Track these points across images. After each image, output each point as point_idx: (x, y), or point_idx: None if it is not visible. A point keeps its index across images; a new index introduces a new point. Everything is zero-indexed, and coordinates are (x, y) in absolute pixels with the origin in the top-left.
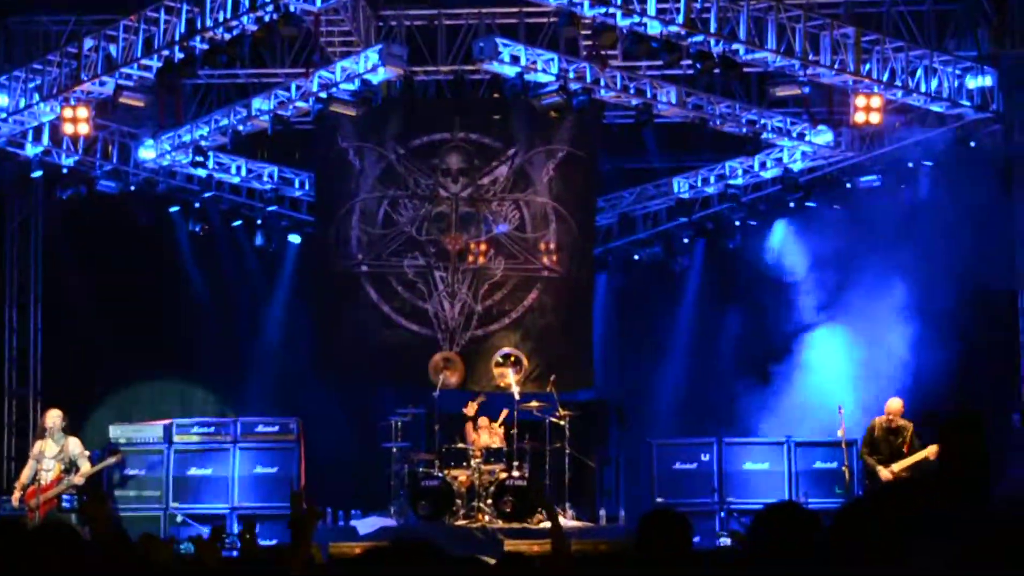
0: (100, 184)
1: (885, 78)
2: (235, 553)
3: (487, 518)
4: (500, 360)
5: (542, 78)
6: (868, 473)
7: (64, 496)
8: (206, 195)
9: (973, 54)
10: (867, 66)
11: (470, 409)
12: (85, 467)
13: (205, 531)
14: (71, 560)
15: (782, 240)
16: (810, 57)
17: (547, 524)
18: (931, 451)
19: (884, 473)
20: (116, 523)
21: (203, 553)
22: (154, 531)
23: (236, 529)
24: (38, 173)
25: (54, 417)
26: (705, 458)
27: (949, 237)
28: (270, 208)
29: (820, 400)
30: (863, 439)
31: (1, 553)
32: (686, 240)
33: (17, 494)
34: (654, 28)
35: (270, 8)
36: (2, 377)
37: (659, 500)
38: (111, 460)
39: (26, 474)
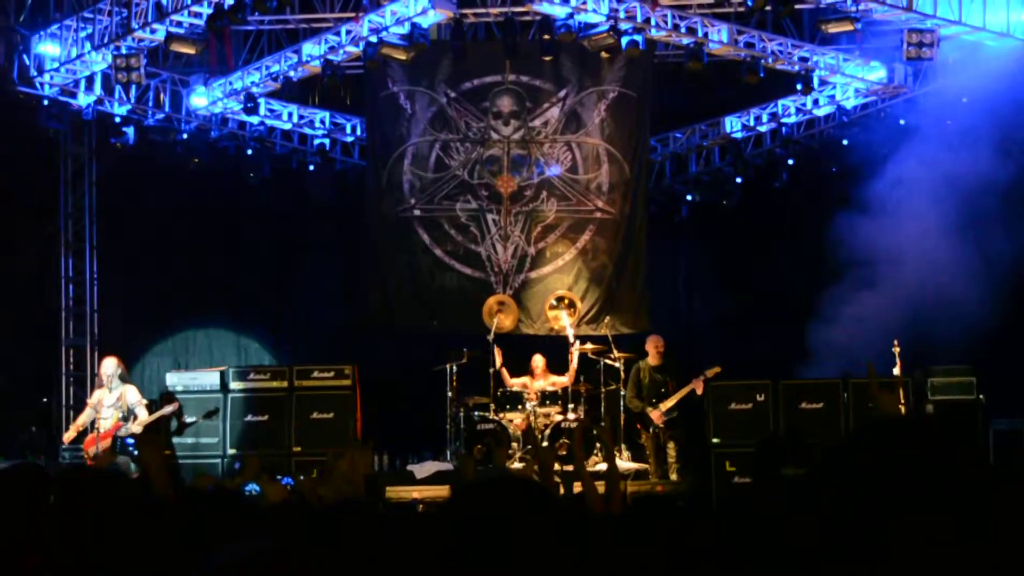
0: (153, 132)
1: (940, 12)
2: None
3: None
4: (554, 303)
5: (592, 18)
6: (637, 417)
7: (121, 439)
8: (257, 141)
9: None
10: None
11: (498, 358)
12: (143, 415)
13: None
14: (128, 508)
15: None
16: None
17: (603, 466)
18: (696, 384)
19: (654, 414)
20: (174, 471)
21: (270, 490)
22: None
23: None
24: (91, 122)
25: (111, 365)
26: (760, 398)
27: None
28: (321, 154)
29: (871, 339)
30: (629, 384)
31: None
32: (739, 180)
33: (72, 434)
34: None
35: None
36: (59, 326)
37: (715, 441)
38: (168, 408)
39: (82, 420)
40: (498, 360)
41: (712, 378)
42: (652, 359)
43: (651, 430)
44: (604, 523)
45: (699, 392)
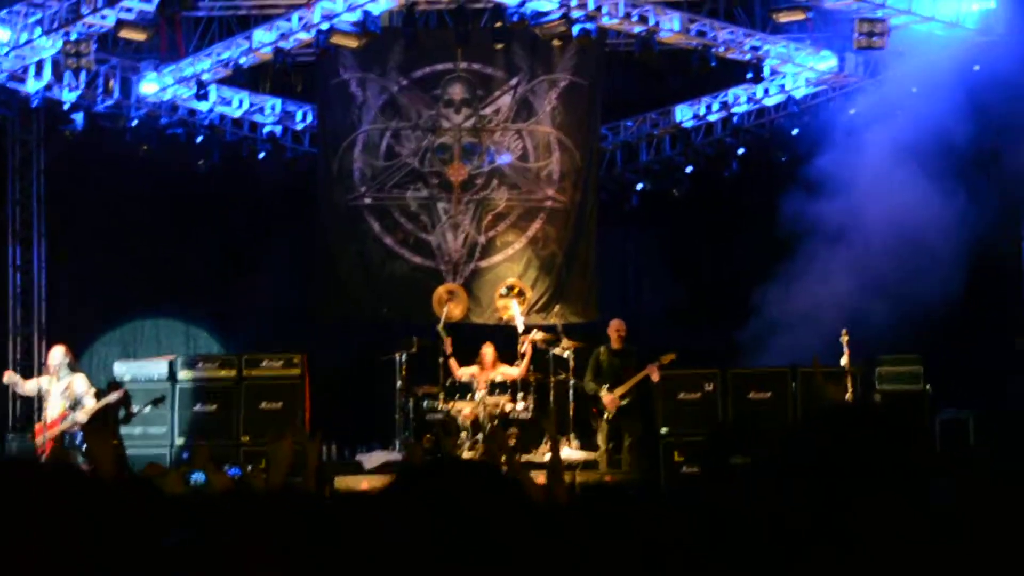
0: (102, 119)
1: (890, 1)
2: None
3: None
4: (504, 292)
5: (544, 6)
6: (592, 401)
7: (68, 433)
8: (207, 128)
9: None
10: None
11: (447, 347)
12: (90, 404)
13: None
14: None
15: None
16: None
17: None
18: (650, 371)
19: (607, 398)
20: (121, 460)
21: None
22: None
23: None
24: (39, 108)
25: (59, 354)
26: (709, 388)
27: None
28: (272, 141)
29: (820, 328)
30: (588, 367)
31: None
32: (689, 170)
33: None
34: None
35: None
36: (6, 315)
37: (664, 431)
38: (114, 396)
39: (27, 388)
40: (448, 349)
41: (667, 364)
42: (613, 343)
43: (604, 416)
44: (547, 512)
45: (655, 379)
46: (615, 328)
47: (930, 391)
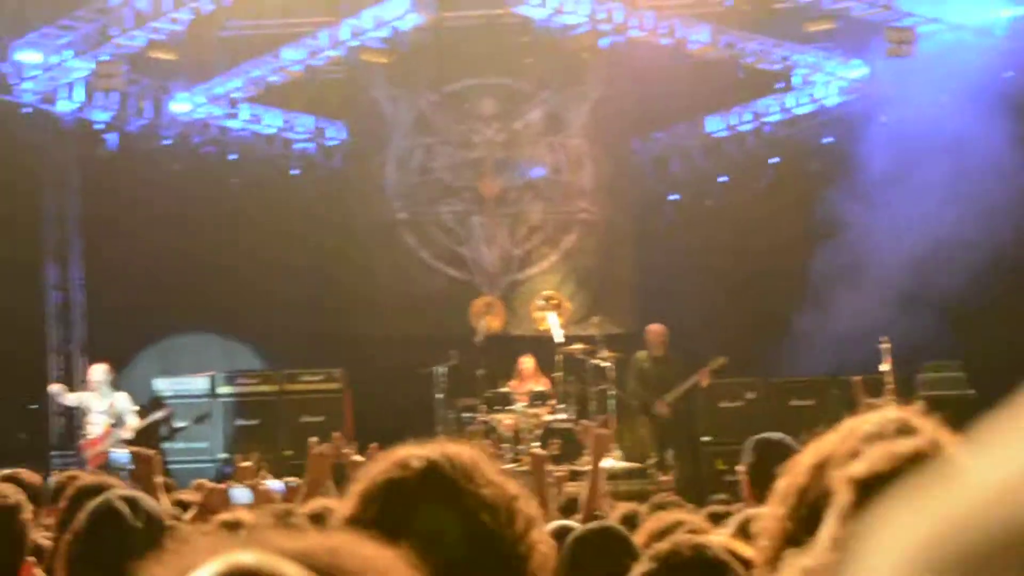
0: (134, 139)
1: (919, 9)
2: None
3: None
4: (541, 303)
5: (573, 20)
6: (641, 409)
7: (113, 454)
8: (239, 146)
9: None
10: None
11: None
12: (133, 421)
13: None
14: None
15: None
16: None
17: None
18: (701, 376)
19: (660, 406)
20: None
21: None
22: None
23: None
24: (72, 129)
25: (100, 371)
26: (751, 396)
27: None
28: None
29: (855, 335)
30: (632, 375)
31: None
32: (722, 179)
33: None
34: None
35: None
36: (45, 334)
37: (704, 439)
38: (159, 414)
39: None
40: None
41: (718, 370)
42: (655, 349)
43: (653, 422)
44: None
45: (704, 384)
46: (657, 333)
47: (974, 395)
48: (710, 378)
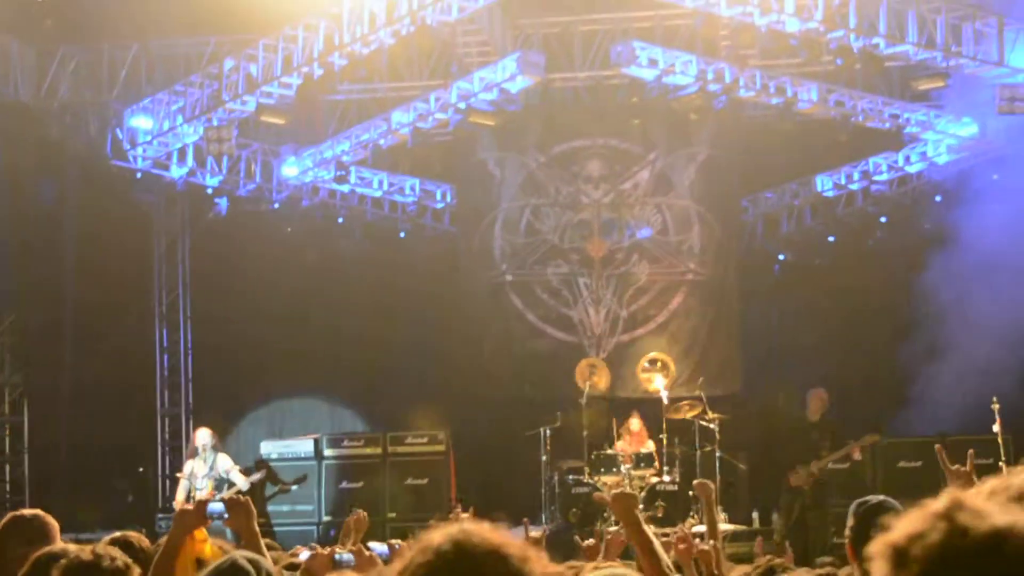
0: (245, 202)
1: None
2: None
3: None
4: (647, 365)
5: (681, 80)
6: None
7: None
8: (348, 210)
9: None
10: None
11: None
12: (238, 481)
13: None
14: None
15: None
16: (952, 48)
17: (700, 528)
18: (853, 450)
19: (802, 473)
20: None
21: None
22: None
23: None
24: (184, 193)
25: (205, 435)
26: (859, 457)
27: None
28: (412, 221)
29: (966, 396)
30: (788, 438)
31: None
32: (831, 239)
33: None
34: (792, 25)
35: (407, 21)
36: (155, 396)
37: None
38: (258, 475)
39: (180, 495)
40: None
41: (871, 446)
42: (812, 413)
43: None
44: None
45: (856, 457)
46: (819, 397)
47: None
48: (861, 454)
